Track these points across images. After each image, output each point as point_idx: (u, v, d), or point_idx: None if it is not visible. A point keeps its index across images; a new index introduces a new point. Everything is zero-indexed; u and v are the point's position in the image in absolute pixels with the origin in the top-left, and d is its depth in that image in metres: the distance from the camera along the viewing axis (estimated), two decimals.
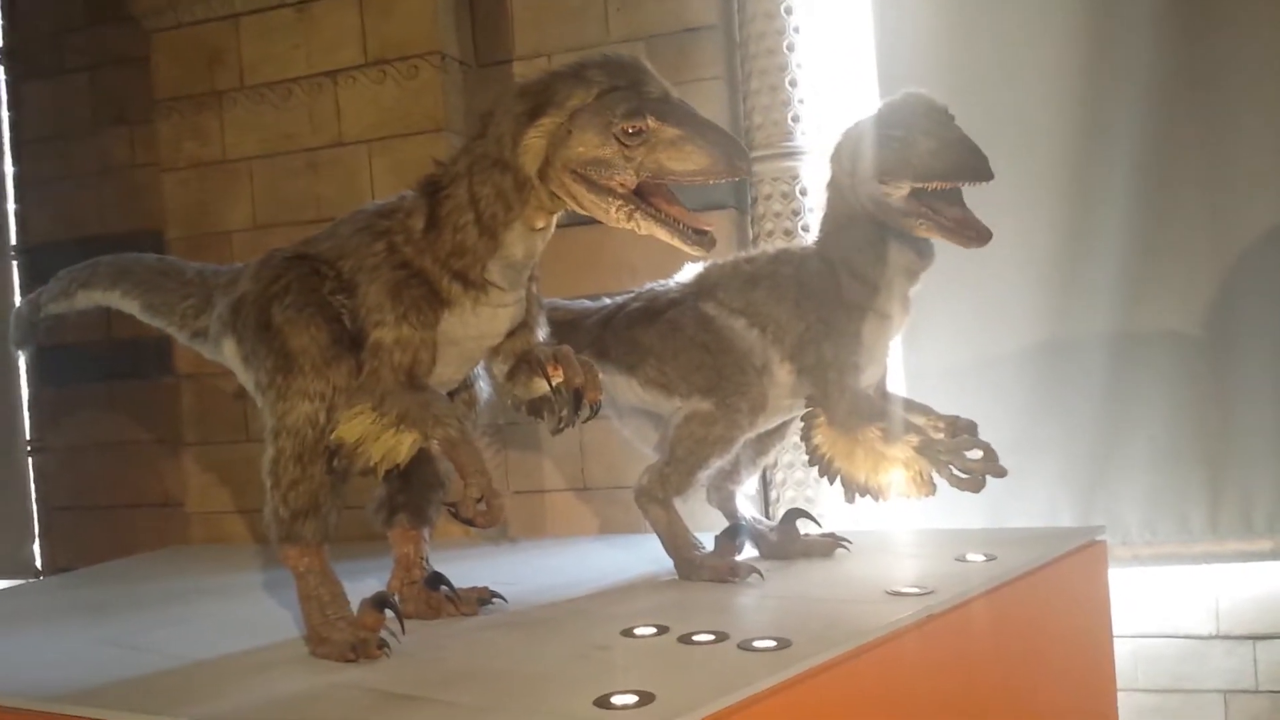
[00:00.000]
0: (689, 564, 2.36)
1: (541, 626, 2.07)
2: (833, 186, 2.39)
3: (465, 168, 1.93)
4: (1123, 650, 2.86)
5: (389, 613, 1.91)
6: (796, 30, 3.25)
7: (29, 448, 4.38)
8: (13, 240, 4.41)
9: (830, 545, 2.47)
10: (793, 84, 3.24)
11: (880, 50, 3.33)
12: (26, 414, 4.41)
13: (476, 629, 2.07)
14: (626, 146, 1.79)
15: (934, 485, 2.24)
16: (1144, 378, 3.12)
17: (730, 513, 2.58)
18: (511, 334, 2.05)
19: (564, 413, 1.99)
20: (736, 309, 2.38)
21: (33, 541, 4.37)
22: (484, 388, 2.21)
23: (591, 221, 3.27)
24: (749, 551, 2.51)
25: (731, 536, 2.45)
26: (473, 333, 1.99)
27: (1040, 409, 3.18)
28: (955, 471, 2.19)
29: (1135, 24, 3.11)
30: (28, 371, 4.39)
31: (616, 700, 1.48)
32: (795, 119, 3.25)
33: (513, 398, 2.11)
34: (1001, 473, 2.20)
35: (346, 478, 1.98)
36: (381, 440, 1.88)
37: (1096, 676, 2.54)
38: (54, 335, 2.76)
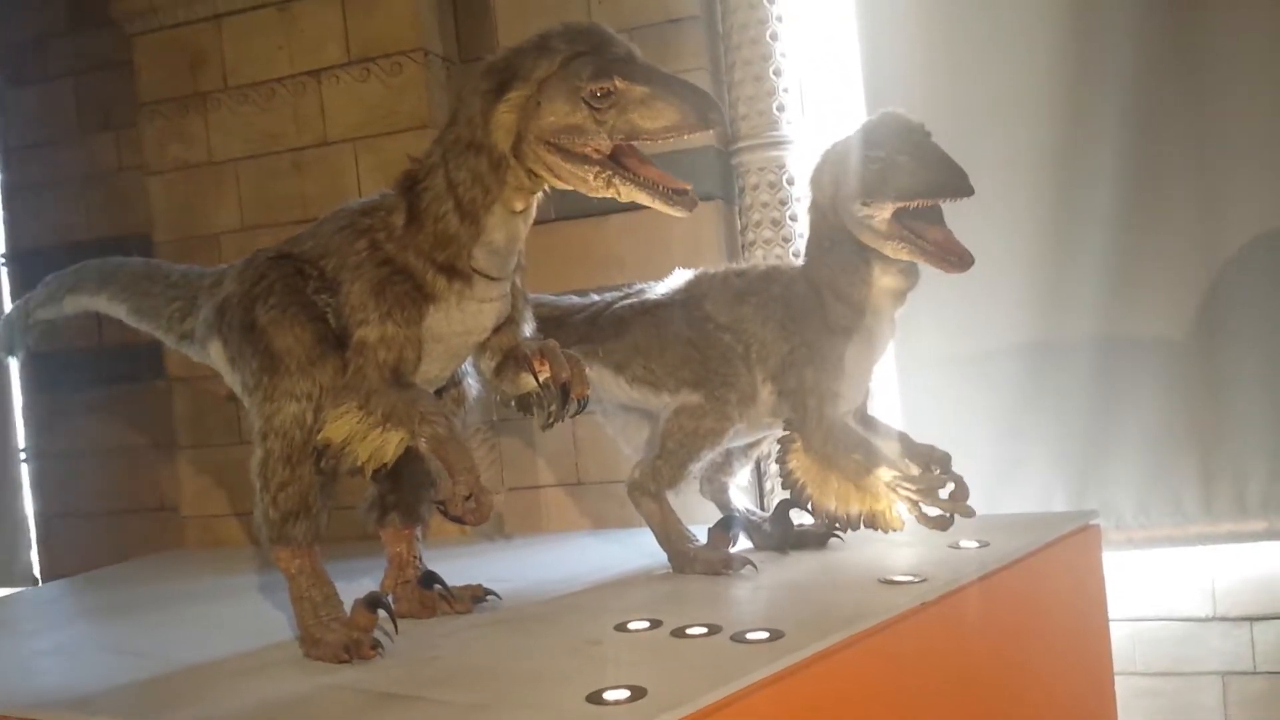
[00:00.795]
0: (682, 557, 2.36)
1: (535, 623, 2.07)
2: (814, 209, 2.39)
3: (440, 157, 1.91)
4: (1120, 634, 2.87)
5: (382, 612, 1.91)
6: (779, 19, 3.24)
7: (23, 455, 4.39)
8: (1, 247, 4.41)
9: (824, 535, 2.47)
10: (776, 73, 3.24)
11: (864, 40, 3.32)
12: (20, 421, 4.41)
13: (470, 627, 2.07)
14: (597, 110, 1.78)
15: (903, 522, 2.24)
16: (1134, 362, 3.12)
17: (723, 505, 2.58)
18: (498, 330, 2.05)
19: (552, 408, 1.99)
20: (723, 324, 2.38)
21: (30, 549, 4.37)
22: (473, 384, 2.20)
23: (580, 215, 3.27)
24: (743, 543, 2.51)
25: (725, 528, 2.45)
26: (458, 328, 1.98)
27: (1032, 395, 3.19)
28: (924, 509, 2.19)
29: (1121, 24, 3.10)
30: (20, 378, 4.39)
31: (609, 696, 1.48)
32: (780, 108, 3.24)
33: (501, 393, 2.11)
34: (970, 513, 2.21)
35: (335, 478, 1.98)
36: (368, 439, 1.88)
37: (1093, 661, 2.54)
38: (46, 341, 2.75)
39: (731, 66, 3.30)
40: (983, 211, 3.07)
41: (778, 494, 3.13)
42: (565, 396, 1.98)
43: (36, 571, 4.38)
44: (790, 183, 3.24)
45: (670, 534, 2.38)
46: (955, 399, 3.23)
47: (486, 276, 1.94)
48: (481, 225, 1.90)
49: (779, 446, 2.38)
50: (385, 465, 1.92)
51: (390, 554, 2.22)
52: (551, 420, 2.01)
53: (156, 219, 3.79)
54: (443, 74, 3.53)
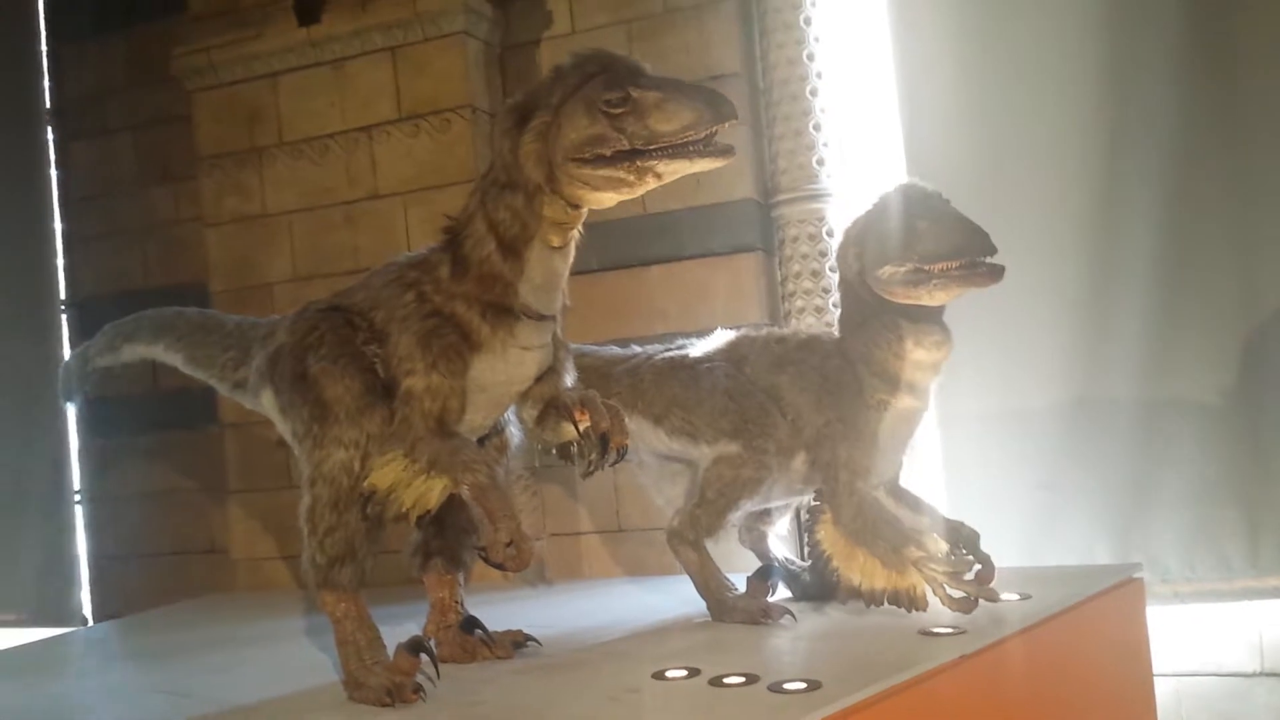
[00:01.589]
0: (721, 605, 2.37)
1: (574, 669, 2.09)
2: (844, 285, 2.42)
3: (478, 203, 1.98)
4: (1165, 689, 2.82)
5: (424, 657, 1.94)
6: (819, 75, 3.30)
7: (78, 498, 4.48)
8: (61, 295, 4.54)
9: None
10: (816, 128, 3.29)
11: (903, 94, 3.36)
12: (75, 465, 4.50)
13: (510, 672, 2.09)
14: (615, 119, 1.82)
15: (927, 603, 2.21)
16: (1176, 416, 3.10)
17: (763, 554, 2.59)
18: (540, 379, 2.09)
19: (592, 456, 2.02)
20: (761, 388, 2.40)
21: (81, 589, 4.45)
22: (515, 433, 2.24)
23: (622, 266, 3.32)
24: (781, 592, 2.51)
25: (764, 578, 2.46)
26: (502, 378, 2.02)
27: (1074, 449, 3.17)
28: (949, 592, 2.17)
29: (1161, 78, 3.12)
30: (76, 423, 4.49)
31: None
32: (820, 162, 3.29)
33: (542, 442, 2.14)
34: (994, 598, 2.19)
35: (381, 524, 2.02)
36: (413, 487, 1.92)
37: (1138, 716, 2.50)
38: (101, 387, 2.83)
39: (772, 121, 3.36)
40: (1022, 266, 3.09)
41: None
42: (605, 446, 2.01)
43: (88, 612, 4.46)
44: (830, 235, 3.27)
45: (709, 582, 2.40)
46: (997, 452, 3.22)
47: (533, 315, 1.99)
48: (524, 260, 1.95)
49: (808, 516, 2.39)
50: (429, 512, 1.97)
51: (433, 599, 2.25)
52: (591, 469, 2.04)
53: (213, 269, 3.91)
54: (489, 130, 3.62)
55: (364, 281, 2.14)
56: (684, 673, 1.90)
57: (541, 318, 2.01)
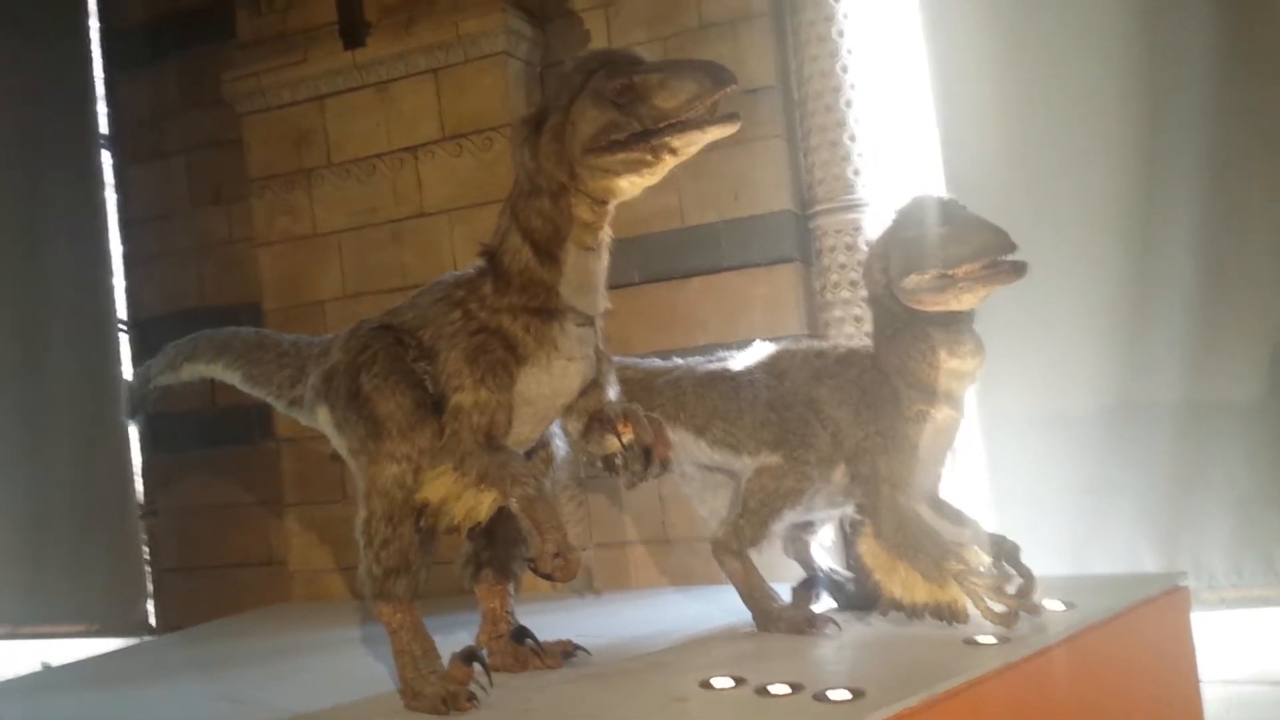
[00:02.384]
0: (766, 615, 2.41)
1: (622, 678, 2.13)
2: (873, 301, 2.44)
3: (509, 218, 2.06)
4: (1213, 697, 2.79)
5: (477, 666, 2.00)
6: (853, 86, 3.32)
7: (141, 512, 4.60)
8: (121, 314, 4.67)
9: None
10: (851, 139, 3.31)
11: (938, 103, 3.38)
12: (139, 480, 4.63)
13: (560, 681, 2.14)
14: (623, 106, 1.89)
15: (968, 616, 2.22)
16: (1221, 421, 3.08)
17: (807, 564, 2.62)
18: (584, 393, 2.14)
19: (635, 468, 2.07)
20: (801, 400, 2.43)
21: (146, 601, 4.57)
22: (560, 446, 2.30)
23: (663, 279, 3.37)
24: (826, 602, 2.54)
25: (808, 588, 2.49)
26: (547, 390, 2.08)
27: (1118, 454, 3.16)
28: (990, 605, 2.18)
29: (1198, 80, 3.11)
30: (139, 440, 4.61)
31: None
32: (856, 173, 3.31)
33: (587, 454, 2.19)
34: (1035, 610, 2.20)
35: (434, 536, 2.09)
36: (463, 499, 1.99)
37: None
38: (162, 405, 2.91)
39: (808, 133, 3.39)
40: (1063, 270, 3.11)
41: None
42: (648, 458, 2.06)
43: (152, 623, 4.57)
44: (866, 244, 3.28)
45: (754, 592, 2.44)
46: (1041, 458, 3.22)
47: (577, 315, 2.05)
48: (561, 263, 2.02)
49: (849, 529, 2.42)
50: (480, 524, 2.03)
51: (484, 609, 2.31)
52: (635, 481, 2.09)
53: (265, 288, 4.01)
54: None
55: (412, 301, 2.21)
56: (730, 682, 1.94)
57: (586, 320, 2.07)
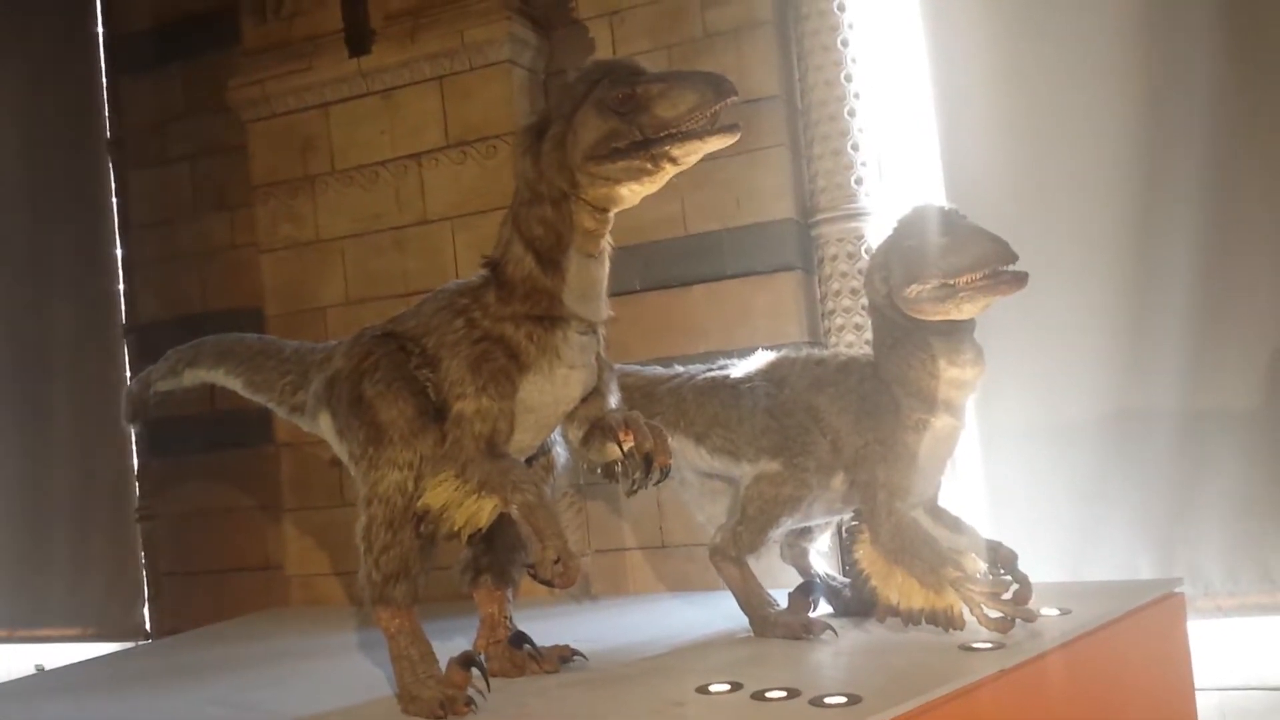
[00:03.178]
0: (763, 621, 2.42)
1: (620, 683, 2.14)
2: (873, 310, 2.45)
3: (511, 228, 2.08)
4: (1208, 703, 2.81)
5: (475, 671, 2.01)
6: (857, 96, 3.34)
7: (138, 515, 4.60)
8: (122, 319, 4.68)
9: None
10: (855, 148, 3.33)
11: (941, 114, 3.40)
12: (136, 483, 4.63)
13: (558, 686, 2.15)
14: (624, 115, 1.92)
15: (964, 622, 2.24)
16: (1218, 430, 3.09)
17: (804, 569, 2.63)
18: (585, 401, 2.16)
19: (636, 476, 2.08)
20: (801, 408, 2.44)
21: (143, 605, 4.57)
22: (561, 453, 2.31)
23: (664, 286, 3.39)
24: (823, 608, 2.55)
25: (805, 593, 2.50)
26: (549, 399, 2.10)
27: (1116, 463, 3.17)
28: (986, 612, 2.19)
29: (1199, 90, 3.12)
30: (136, 443, 4.61)
31: None
32: (858, 181, 3.33)
33: (587, 461, 2.21)
34: (1032, 617, 2.21)
35: (434, 542, 2.10)
36: (464, 506, 2.00)
37: None
38: (161, 408, 2.91)
39: (811, 142, 3.41)
40: (1062, 279, 3.12)
41: None
42: (649, 465, 2.07)
43: (148, 627, 4.57)
44: (868, 253, 3.30)
45: (751, 598, 2.45)
46: (1039, 466, 3.24)
47: (581, 323, 2.06)
48: (563, 270, 2.04)
49: (847, 535, 2.43)
50: (480, 530, 2.04)
51: (483, 614, 2.32)
52: (635, 488, 2.10)
53: (268, 294, 4.02)
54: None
55: (415, 308, 2.23)
56: (727, 687, 1.95)
57: (588, 327, 2.09)
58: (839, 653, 2.24)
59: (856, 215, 3.33)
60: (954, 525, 2.41)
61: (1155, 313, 3.18)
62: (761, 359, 2.58)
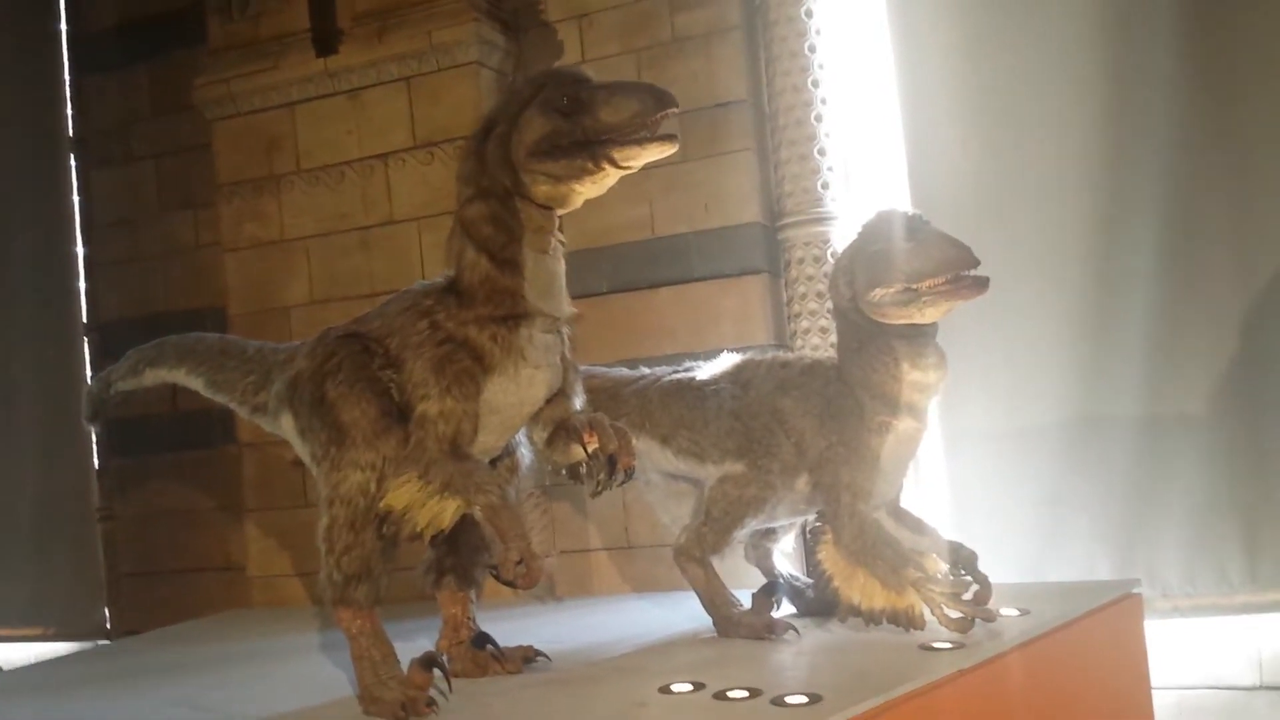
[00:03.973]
0: (727, 621, 2.43)
1: (583, 684, 2.14)
2: (838, 314, 2.47)
3: (460, 236, 2.09)
4: (1165, 702, 2.85)
5: (437, 672, 2.00)
6: (824, 101, 3.37)
7: (99, 515, 4.54)
8: (84, 318, 4.62)
9: None
10: (821, 153, 3.35)
11: (906, 118, 3.43)
12: (96, 483, 4.57)
13: (521, 687, 2.15)
14: (568, 117, 1.97)
15: (925, 622, 2.26)
16: (1178, 434, 3.13)
17: (768, 570, 2.64)
18: (550, 402, 2.16)
19: (600, 477, 2.09)
20: (766, 410, 2.46)
21: (103, 605, 4.52)
22: (525, 454, 2.30)
23: (634, 288, 3.42)
24: (786, 608, 2.57)
25: (768, 594, 2.51)
26: (513, 399, 2.09)
27: (1077, 466, 3.20)
28: (946, 612, 2.22)
29: (1162, 96, 3.16)
30: (97, 442, 4.56)
31: None
32: (824, 186, 3.35)
33: (552, 463, 2.21)
34: (991, 617, 2.24)
35: (396, 543, 2.09)
36: (427, 507, 1.99)
37: None
38: (122, 408, 2.89)
39: (778, 146, 3.43)
40: (1025, 285, 3.16)
41: None
42: (613, 467, 2.08)
43: (108, 627, 4.52)
44: (834, 257, 3.32)
45: (715, 598, 2.46)
46: (1001, 470, 3.27)
47: (545, 319, 2.07)
48: (520, 267, 2.05)
49: (810, 537, 2.45)
50: (443, 531, 2.04)
51: (445, 615, 2.31)
52: (600, 489, 2.11)
53: (231, 293, 3.99)
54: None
55: (380, 309, 2.22)
56: (689, 687, 1.95)
57: (553, 326, 2.10)
58: (801, 652, 2.26)
59: (822, 219, 3.36)
60: (916, 527, 2.43)
61: (1115, 319, 3.22)
62: (727, 361, 2.59)
